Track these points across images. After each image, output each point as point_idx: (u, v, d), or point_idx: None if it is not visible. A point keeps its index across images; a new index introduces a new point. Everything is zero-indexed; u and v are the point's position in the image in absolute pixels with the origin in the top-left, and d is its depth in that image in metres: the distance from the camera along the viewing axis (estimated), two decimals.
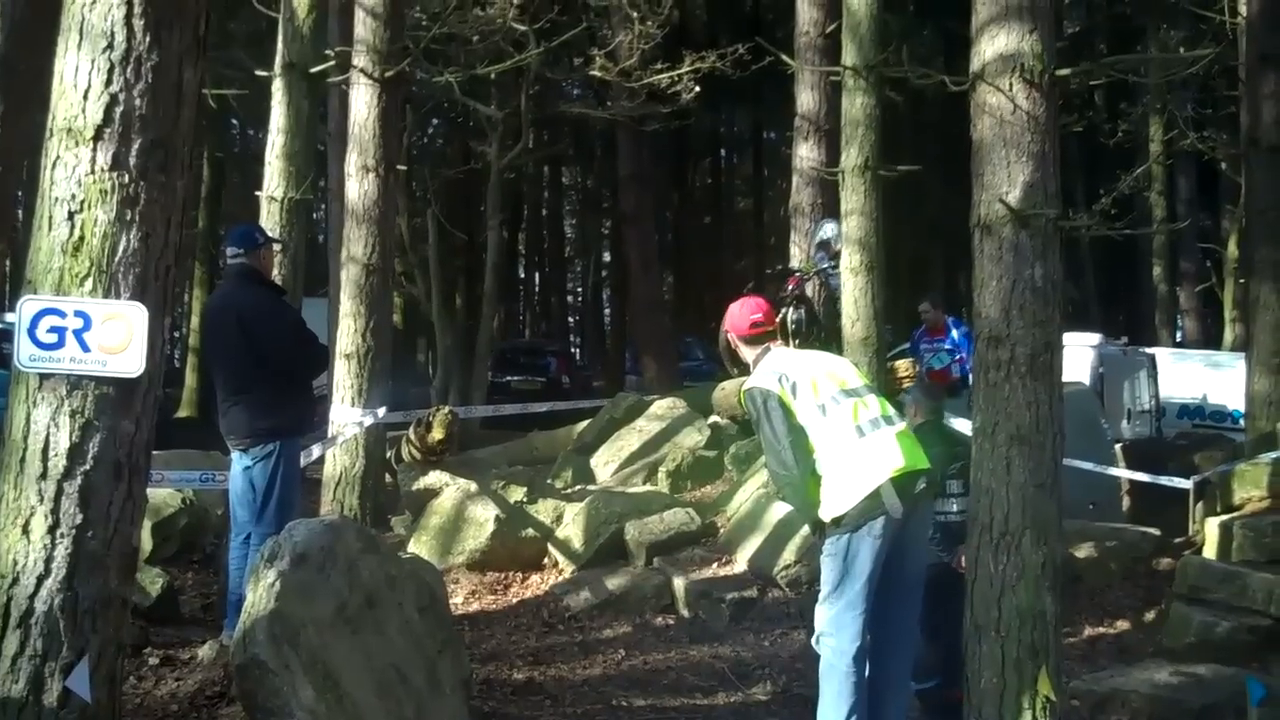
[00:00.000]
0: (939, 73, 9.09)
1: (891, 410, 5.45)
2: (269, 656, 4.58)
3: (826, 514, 5.19)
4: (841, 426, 5.19)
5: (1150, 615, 8.66)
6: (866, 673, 5.17)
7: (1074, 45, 27.30)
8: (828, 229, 12.47)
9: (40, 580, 3.98)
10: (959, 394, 10.98)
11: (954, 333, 11.98)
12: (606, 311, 46.17)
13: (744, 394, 5.49)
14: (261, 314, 6.64)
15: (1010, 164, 5.48)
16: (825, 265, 12.55)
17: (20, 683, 3.96)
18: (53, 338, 4.02)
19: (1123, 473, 11.84)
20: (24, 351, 4.02)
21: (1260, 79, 12.42)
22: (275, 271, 7.96)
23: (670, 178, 35.64)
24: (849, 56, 11.30)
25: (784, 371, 5.33)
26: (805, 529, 5.88)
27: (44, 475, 3.99)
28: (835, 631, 5.15)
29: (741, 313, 5.72)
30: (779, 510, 8.69)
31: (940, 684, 6.32)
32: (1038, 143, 5.47)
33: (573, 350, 42.51)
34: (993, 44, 5.55)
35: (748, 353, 5.66)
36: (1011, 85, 5.46)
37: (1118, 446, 12.76)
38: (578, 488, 10.75)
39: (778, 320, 10.12)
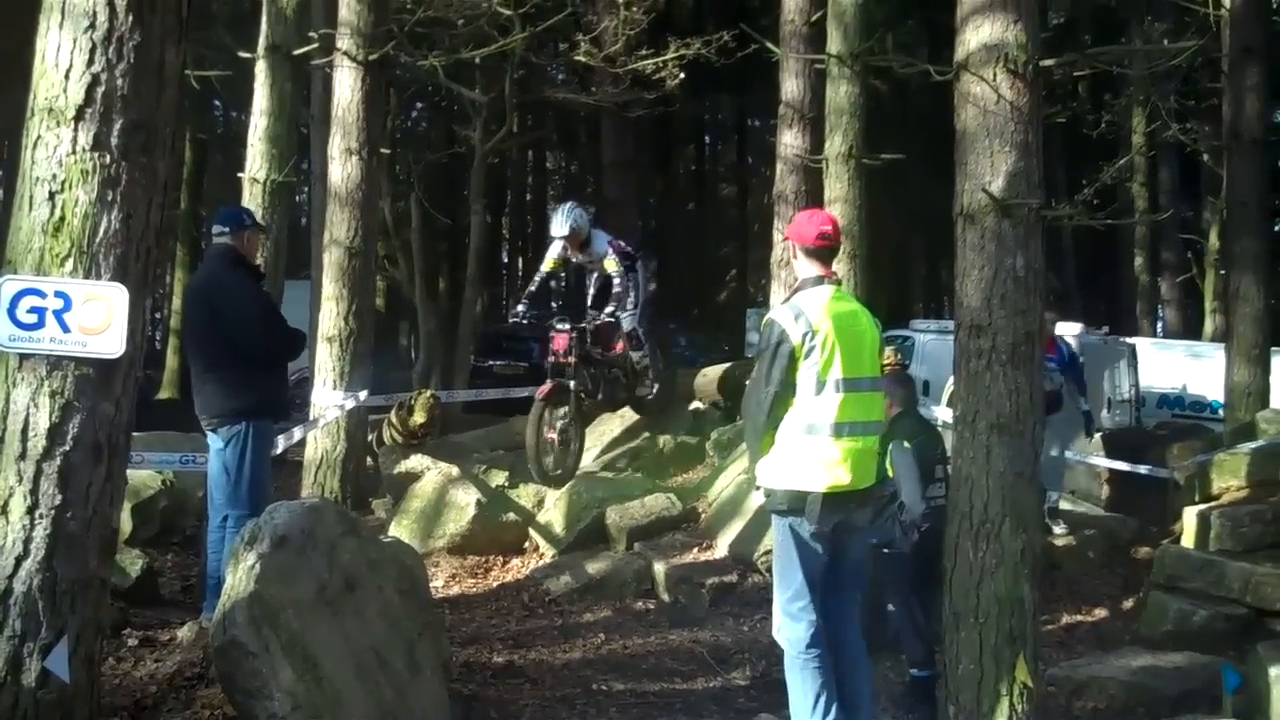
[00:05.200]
0: (923, 62, 9.09)
1: (877, 416, 5.39)
2: (248, 638, 4.59)
3: (760, 476, 5.24)
4: (823, 414, 5.10)
5: (1128, 603, 8.72)
6: (830, 655, 5.18)
7: (1058, 36, 27.37)
8: (569, 216, 10.43)
9: (19, 561, 3.98)
10: (1062, 408, 9.91)
11: (1064, 349, 10.28)
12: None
13: (766, 323, 5.24)
14: (232, 295, 6.63)
15: (993, 153, 5.49)
16: (581, 258, 10.72)
17: None
18: (33, 318, 4.01)
19: (1102, 461, 11.89)
20: (3, 331, 4.01)
21: (1243, 71, 12.49)
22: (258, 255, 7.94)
23: (654, 164, 35.59)
24: (834, 44, 11.33)
25: (814, 328, 5.09)
26: None
27: (23, 456, 3.98)
28: (787, 621, 5.16)
29: (811, 222, 5.40)
30: (759, 496, 8.70)
31: (932, 676, 6.37)
32: (1021, 132, 5.48)
33: None
34: (977, 34, 5.55)
35: (805, 268, 5.36)
36: (995, 75, 5.47)
37: (1097, 436, 12.80)
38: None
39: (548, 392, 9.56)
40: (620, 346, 10.78)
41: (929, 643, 6.41)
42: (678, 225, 39.16)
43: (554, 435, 9.83)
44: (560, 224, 10.35)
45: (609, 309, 10.23)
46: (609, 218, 23.66)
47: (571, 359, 9.91)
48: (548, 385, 9.82)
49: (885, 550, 6.38)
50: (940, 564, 5.83)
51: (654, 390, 11.27)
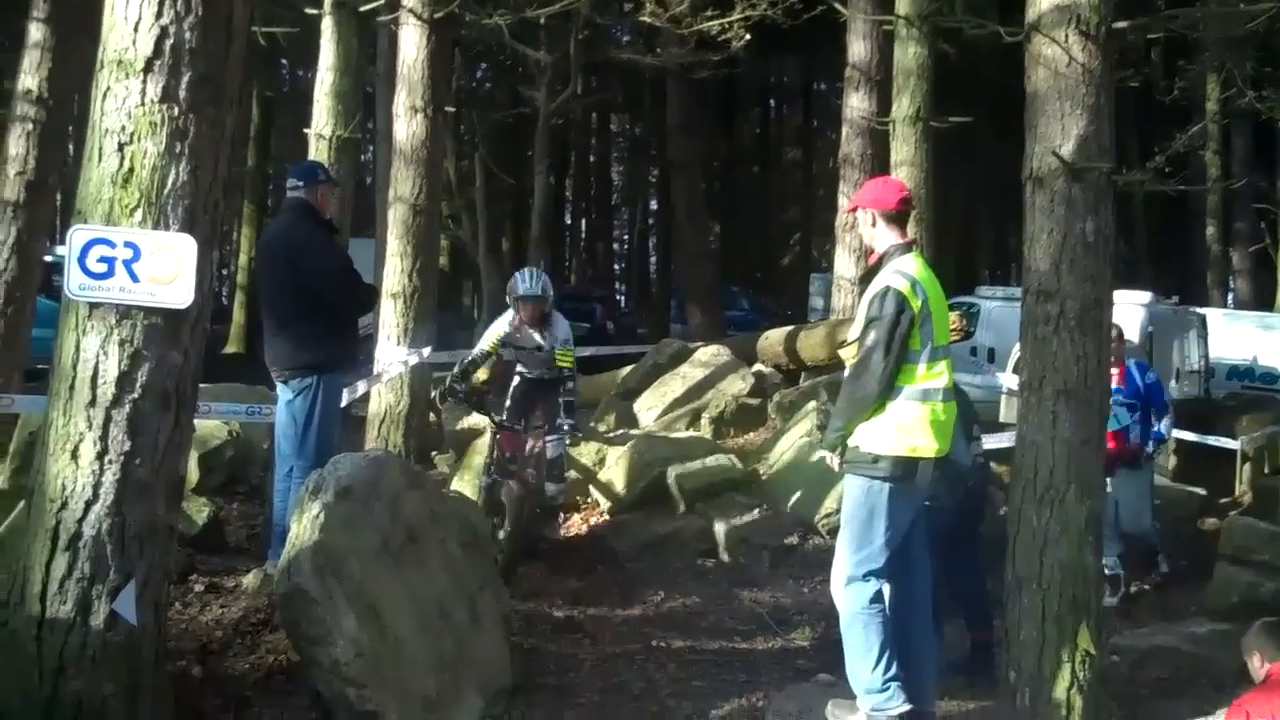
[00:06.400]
0: (993, 23, 8.95)
1: None
2: (312, 586, 4.64)
3: (865, 443, 5.03)
4: (937, 380, 5.03)
5: (1194, 575, 8.62)
6: (899, 618, 5.14)
7: None
8: (539, 278, 8.37)
9: (88, 505, 4.04)
10: (1140, 466, 8.60)
11: (1139, 378, 8.59)
12: (652, 260, 46.13)
13: (881, 291, 5.02)
14: (309, 249, 6.66)
15: (1064, 116, 5.41)
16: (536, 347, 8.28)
17: (68, 604, 4.03)
18: (102, 267, 4.06)
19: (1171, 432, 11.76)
20: (74, 280, 4.06)
21: None
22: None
23: (718, 126, 35.48)
24: (902, 6, 11.22)
25: (928, 294, 5.01)
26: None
27: (93, 403, 4.04)
28: (854, 583, 5.09)
29: (889, 188, 5.32)
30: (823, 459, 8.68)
31: (963, 625, 6.37)
32: (1092, 96, 5.40)
33: (617, 297, 42.45)
34: None
35: (886, 236, 5.21)
36: (1067, 37, 5.38)
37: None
38: (620, 431, 10.76)
39: None
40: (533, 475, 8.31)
41: (983, 602, 6.38)
42: (742, 188, 39.02)
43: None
44: (530, 284, 8.24)
45: (569, 422, 8.30)
46: (673, 180, 23.60)
47: (515, 468, 8.13)
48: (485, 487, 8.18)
49: (927, 504, 6.35)
50: (979, 522, 5.79)
51: (552, 535, 8.72)
